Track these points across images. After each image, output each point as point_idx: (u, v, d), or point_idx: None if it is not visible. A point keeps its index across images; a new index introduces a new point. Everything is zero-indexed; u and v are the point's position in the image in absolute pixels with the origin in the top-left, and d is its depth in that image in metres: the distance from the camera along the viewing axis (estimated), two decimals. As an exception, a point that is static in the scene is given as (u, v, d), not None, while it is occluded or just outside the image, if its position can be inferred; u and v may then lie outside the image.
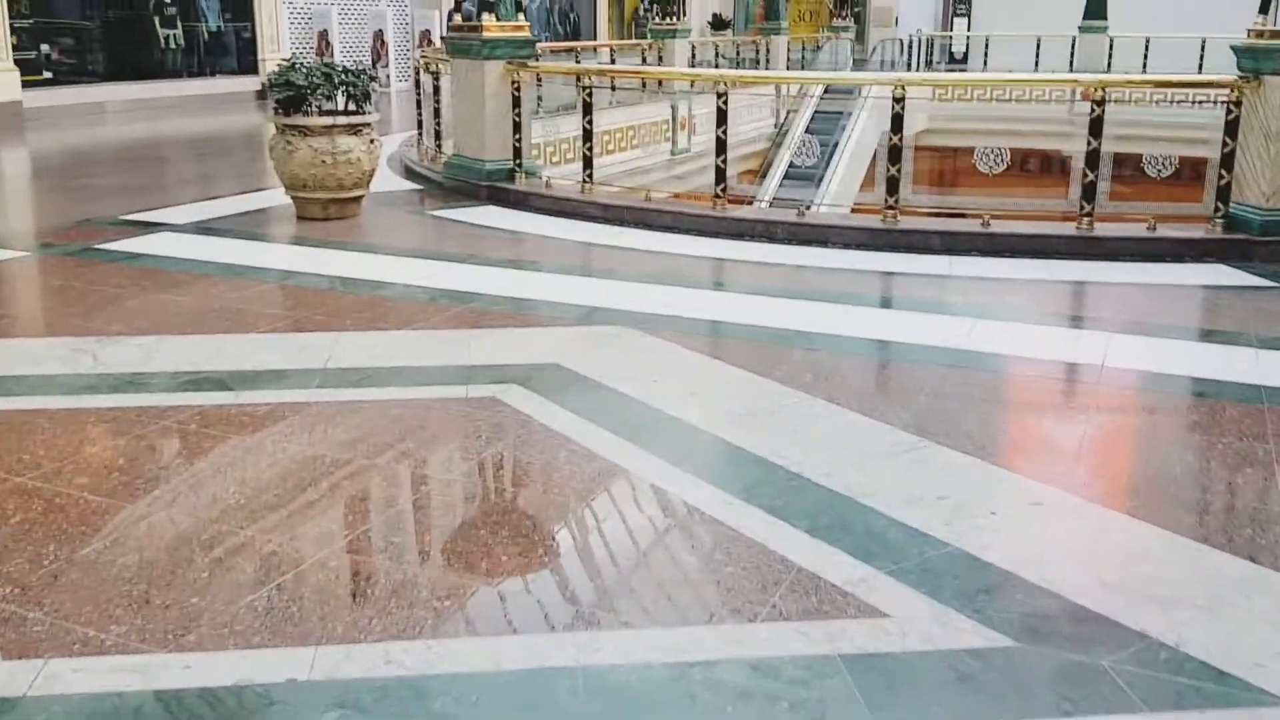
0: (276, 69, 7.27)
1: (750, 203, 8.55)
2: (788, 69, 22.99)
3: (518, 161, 8.52)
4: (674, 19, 18.40)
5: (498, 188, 8.43)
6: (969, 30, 28.71)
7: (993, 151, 6.92)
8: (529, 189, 8.37)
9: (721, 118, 7.41)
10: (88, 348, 4.60)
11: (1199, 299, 5.98)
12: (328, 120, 7.15)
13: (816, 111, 17.93)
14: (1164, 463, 3.59)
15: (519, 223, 7.71)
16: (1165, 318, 5.50)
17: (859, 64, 25.43)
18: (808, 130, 18.54)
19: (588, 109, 8.14)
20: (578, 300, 5.56)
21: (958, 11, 29.58)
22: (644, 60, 17.93)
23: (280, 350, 4.65)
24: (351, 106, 7.40)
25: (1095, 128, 6.56)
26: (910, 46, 25.69)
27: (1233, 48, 6.55)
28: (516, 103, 8.43)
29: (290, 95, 7.01)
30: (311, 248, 6.77)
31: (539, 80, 8.86)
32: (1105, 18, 24.46)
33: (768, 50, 22.38)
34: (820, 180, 16.24)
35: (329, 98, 7.25)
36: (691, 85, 10.82)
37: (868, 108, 14.30)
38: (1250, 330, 5.10)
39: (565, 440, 3.65)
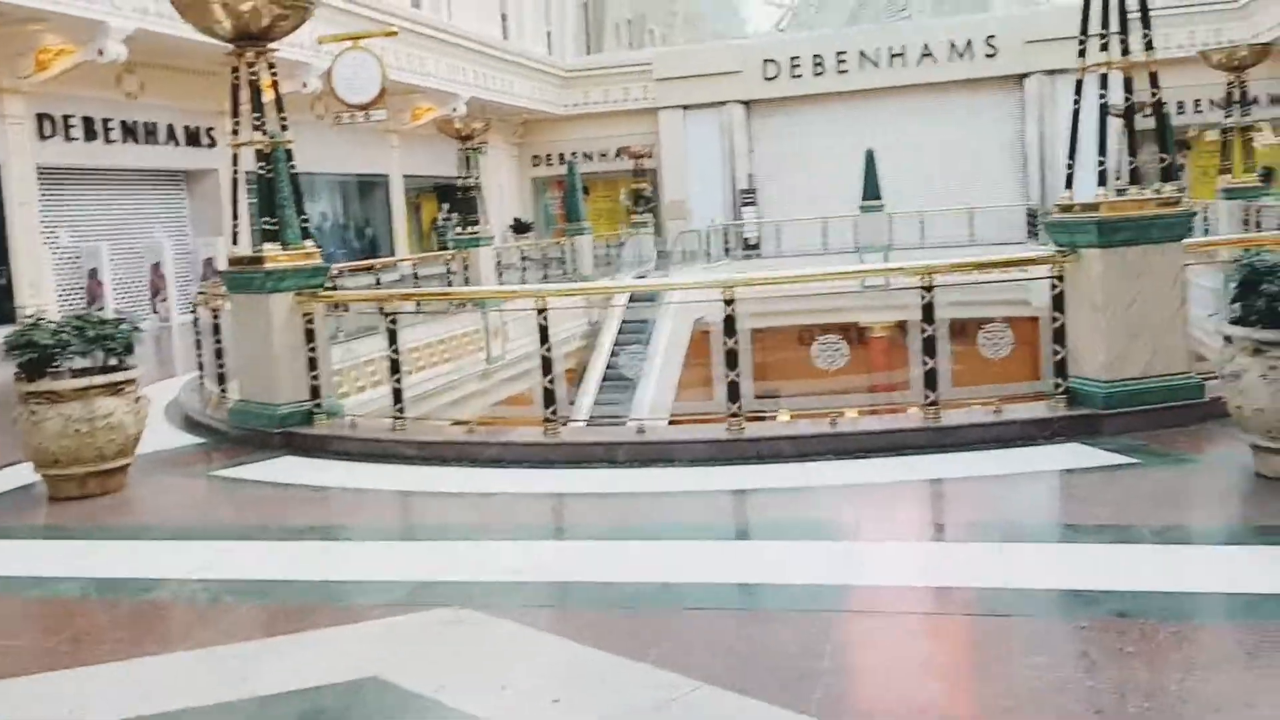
0: (16, 327, 6.23)
1: (584, 423, 7.89)
2: (595, 267, 23.16)
3: (316, 402, 7.63)
4: (476, 227, 18.21)
5: (294, 434, 7.48)
6: (759, 218, 30.07)
7: (831, 347, 6.59)
8: (332, 432, 7.46)
9: (544, 335, 6.83)
10: None
11: (1056, 487, 5.68)
12: (82, 382, 6.11)
13: (624, 321, 17.70)
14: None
15: (322, 474, 6.77)
16: (1033, 515, 5.13)
17: (662, 257, 26.01)
18: (619, 337, 18.37)
19: (393, 338, 7.42)
20: (401, 575, 4.65)
21: (745, 201, 31.02)
22: (448, 271, 17.54)
23: None
24: (113, 361, 6.38)
25: (928, 313, 6.33)
26: (708, 237, 26.53)
27: (1045, 223, 6.56)
28: (310, 336, 7.62)
29: (33, 357, 5.97)
30: (64, 540, 5.60)
31: (339, 307, 8.14)
32: (880, 198, 26.07)
33: (573, 250, 22.51)
34: (636, 386, 15.91)
35: (84, 354, 6.22)
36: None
37: (671, 313, 13.95)
38: (1132, 519, 4.75)
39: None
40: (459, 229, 18.64)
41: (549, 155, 33.39)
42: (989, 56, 29.04)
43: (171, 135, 18.99)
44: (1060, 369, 6.40)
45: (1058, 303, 6.38)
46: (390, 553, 5.12)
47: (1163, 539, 4.51)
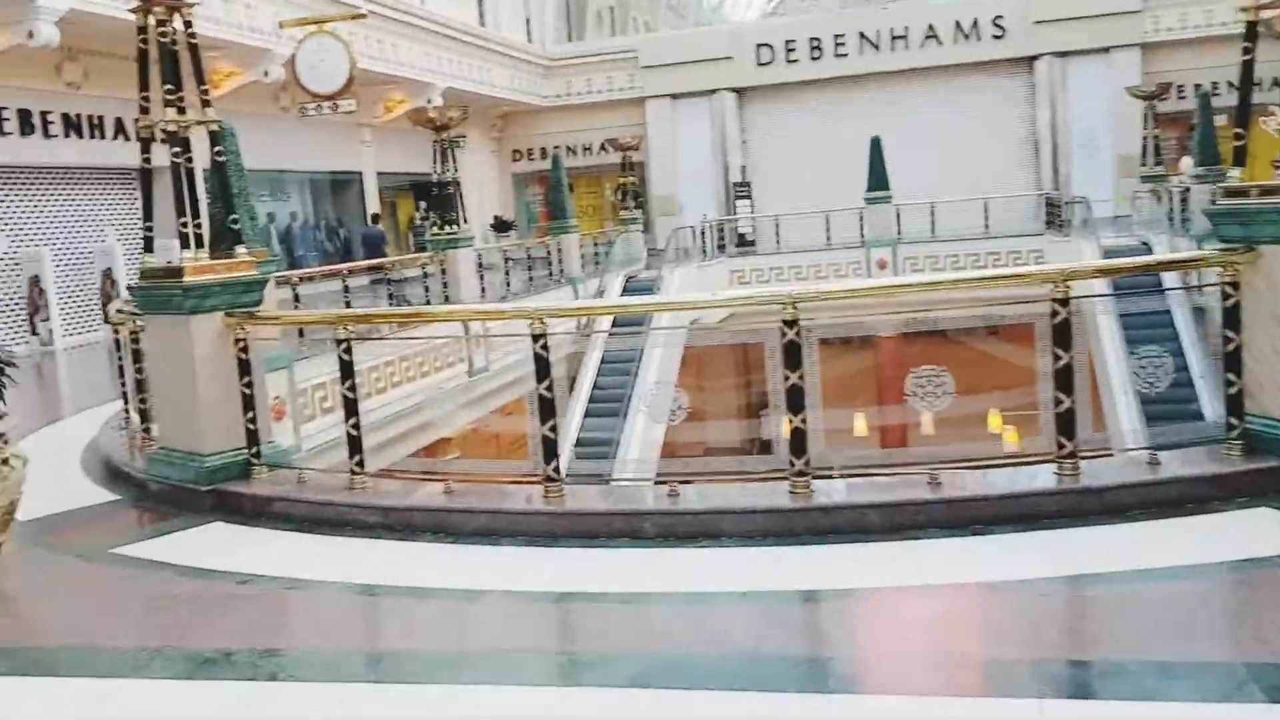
0: None
1: (597, 483, 6.19)
2: (583, 269, 21.51)
3: (254, 450, 5.98)
4: (454, 226, 16.53)
5: (227, 493, 5.83)
6: (753, 212, 28.49)
7: (933, 381, 4.94)
8: (274, 490, 5.81)
9: (542, 367, 5.19)
10: None
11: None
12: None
13: (607, 351, 15.66)
14: None
15: (258, 554, 5.11)
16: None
17: (654, 255, 24.38)
18: (606, 354, 16.47)
19: (347, 371, 5.75)
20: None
21: (739, 195, 29.43)
22: (425, 275, 15.84)
23: None
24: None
25: (1062, 335, 4.73)
26: (702, 233, 24.91)
27: (1210, 212, 4.96)
28: (246, 369, 5.98)
29: None
30: None
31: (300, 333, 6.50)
32: (888, 188, 24.52)
33: (559, 250, 20.84)
34: (625, 414, 14.07)
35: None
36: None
37: (660, 342, 11.73)
38: None
39: None
40: (436, 228, 16.99)
41: (530, 149, 31.70)
42: (996, 38, 27.52)
43: (121, 129, 17.24)
44: (1234, 405, 4.81)
45: (1231, 318, 4.79)
46: (329, 700, 3.48)
47: None
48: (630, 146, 24.72)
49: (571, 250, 21.17)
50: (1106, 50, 27.27)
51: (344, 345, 5.67)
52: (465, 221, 16.98)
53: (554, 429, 5.09)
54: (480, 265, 17.21)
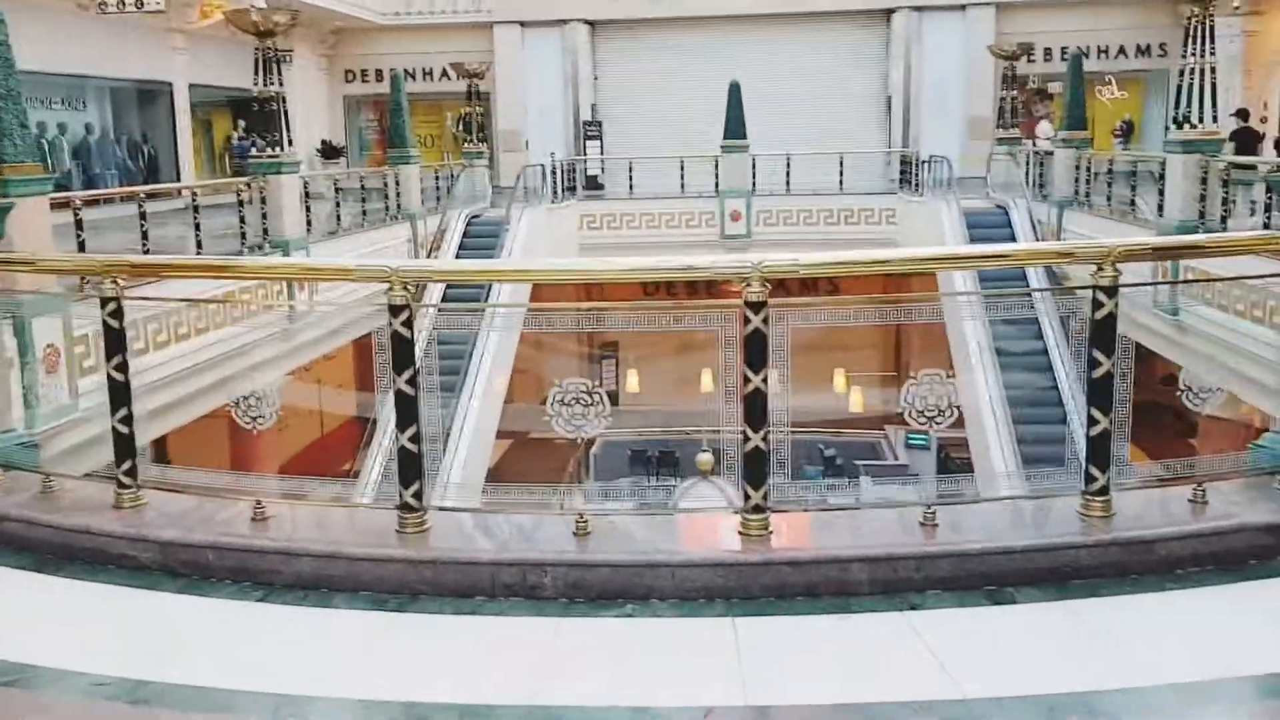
0: None
1: (469, 509, 4.56)
2: (424, 204, 19.59)
3: (-20, 445, 4.26)
4: (278, 149, 14.43)
5: (-70, 511, 4.10)
6: (603, 153, 27.02)
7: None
8: (9, 505, 4.11)
9: (404, 354, 3.65)
10: None
11: None
12: None
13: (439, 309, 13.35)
14: None
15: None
16: None
17: (498, 193, 22.64)
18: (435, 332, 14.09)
19: (117, 342, 4.05)
20: None
21: (589, 135, 27.86)
22: (241, 205, 13.72)
23: None
24: None
25: (1104, 335, 3.56)
26: (552, 172, 23.31)
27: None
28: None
29: None
30: None
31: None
32: (745, 137, 23.52)
33: (397, 182, 18.83)
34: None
35: None
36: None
37: (497, 324, 8.62)
38: None
39: None
40: (257, 150, 14.78)
41: (365, 71, 29.07)
42: (856, -14, 26.82)
43: None
44: (1297, 431, 3.81)
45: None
46: None
47: None
48: (477, 74, 22.78)
49: (412, 183, 19.23)
50: (963, 7, 26.98)
51: (110, 306, 3.97)
52: (290, 144, 14.89)
53: (416, 440, 3.61)
54: (306, 194, 15.18)
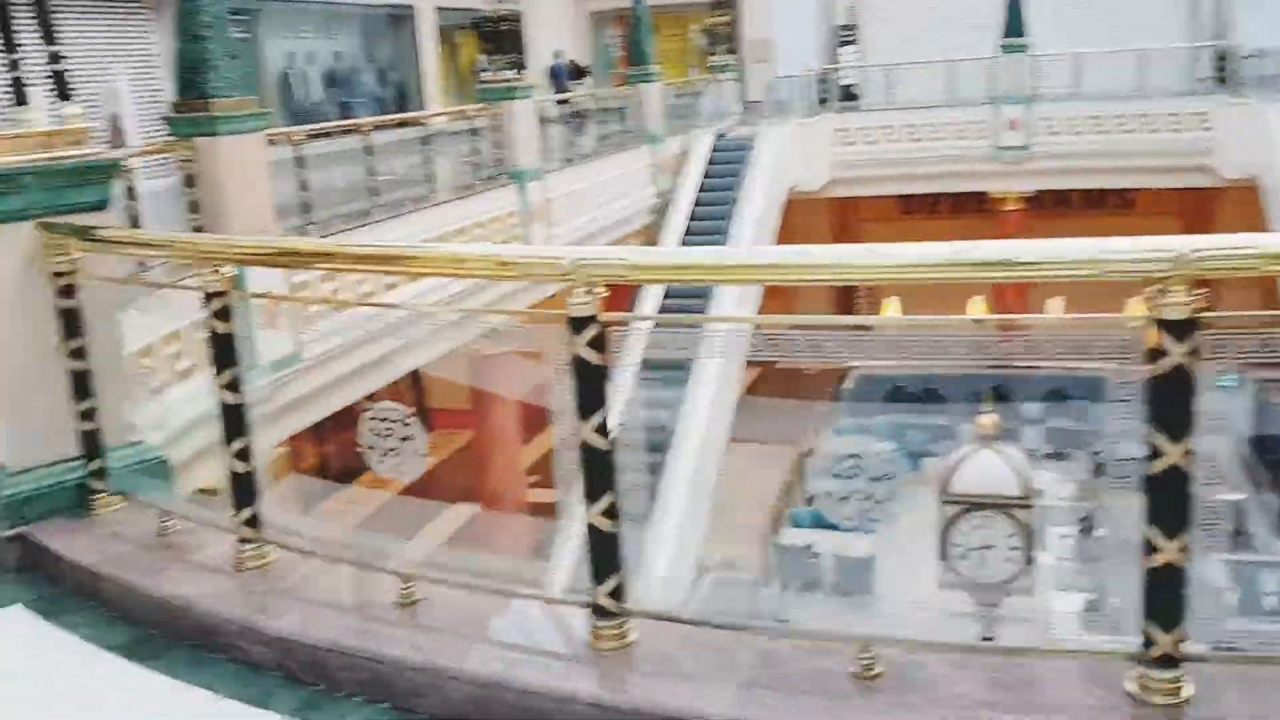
0: None
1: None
2: (667, 122, 18.36)
3: (93, 464, 3.45)
4: (517, 71, 13.56)
5: (41, 548, 3.32)
6: (860, 61, 24.73)
7: None
8: (110, 553, 3.27)
9: (594, 390, 2.42)
10: None
11: None
12: None
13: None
14: None
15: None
16: None
17: (749, 109, 21.11)
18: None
19: (227, 353, 3.06)
20: None
21: (843, 40, 25.58)
22: (473, 134, 12.99)
23: None
24: None
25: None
26: (803, 86, 21.48)
27: None
28: (75, 325, 3.39)
29: None
30: None
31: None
32: (1024, 34, 20.72)
33: (640, 101, 17.70)
34: None
35: None
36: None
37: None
38: None
39: None
40: (494, 72, 13.96)
41: (610, -16, 27.99)
42: None
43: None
44: None
45: None
46: None
47: None
48: (724, -20, 21.16)
49: (654, 102, 18.05)
50: None
51: (218, 305, 2.95)
52: (525, 67, 14.03)
53: (613, 512, 2.41)
54: (542, 120, 14.30)
